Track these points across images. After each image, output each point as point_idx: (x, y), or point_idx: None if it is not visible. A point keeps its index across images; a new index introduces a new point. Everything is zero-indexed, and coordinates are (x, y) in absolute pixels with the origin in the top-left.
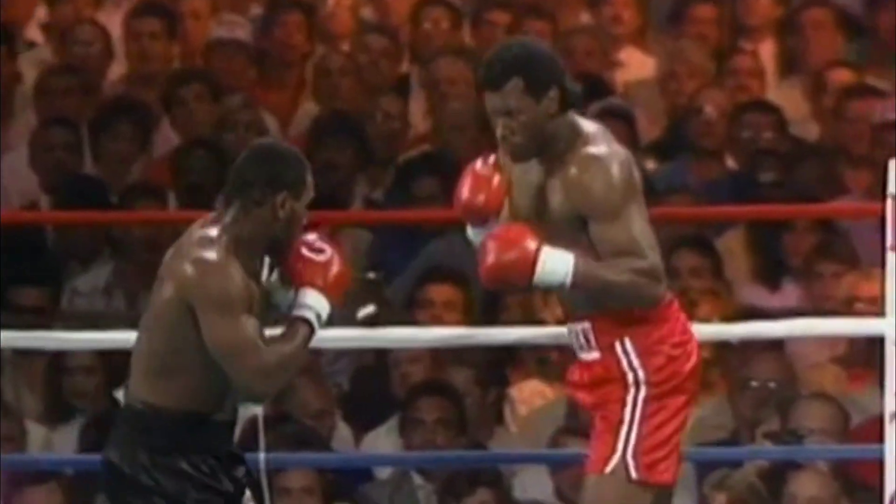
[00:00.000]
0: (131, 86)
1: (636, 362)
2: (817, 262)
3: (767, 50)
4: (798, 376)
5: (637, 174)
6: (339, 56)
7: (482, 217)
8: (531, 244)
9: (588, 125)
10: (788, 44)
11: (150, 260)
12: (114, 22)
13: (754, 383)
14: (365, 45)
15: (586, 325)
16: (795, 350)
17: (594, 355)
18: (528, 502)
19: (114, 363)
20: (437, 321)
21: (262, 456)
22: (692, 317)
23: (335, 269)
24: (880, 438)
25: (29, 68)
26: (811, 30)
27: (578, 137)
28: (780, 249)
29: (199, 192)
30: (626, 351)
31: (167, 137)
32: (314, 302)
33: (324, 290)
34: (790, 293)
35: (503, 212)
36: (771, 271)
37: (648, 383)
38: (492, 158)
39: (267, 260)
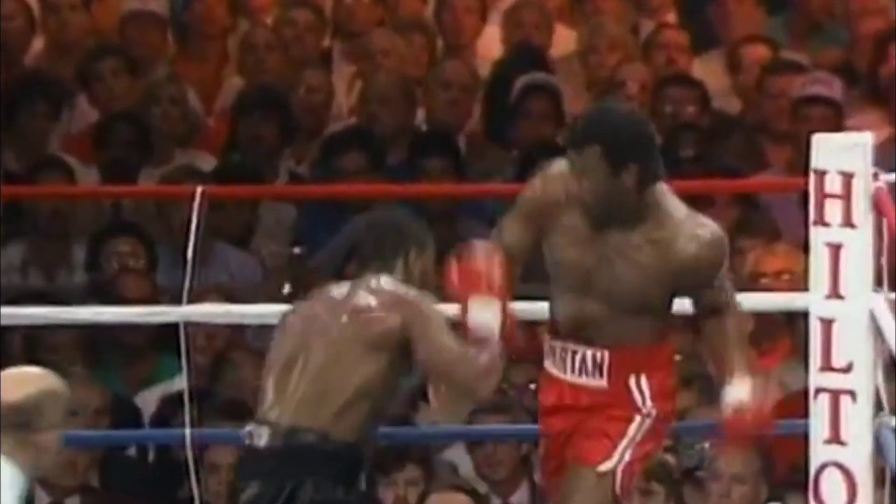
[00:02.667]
0: (50, 60)
1: (649, 402)
2: (738, 237)
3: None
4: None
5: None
6: (265, 30)
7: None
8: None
9: (673, 200)
10: (703, 18)
11: (61, 235)
12: None
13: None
14: (289, 19)
15: (603, 353)
16: None
17: (600, 384)
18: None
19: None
20: None
21: (187, 431)
22: None
23: (493, 275)
24: (803, 414)
25: None
26: (732, 5)
27: (663, 210)
28: None
29: (122, 165)
30: (641, 389)
31: (84, 112)
32: (487, 316)
33: (487, 296)
34: None
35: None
36: None
37: (656, 418)
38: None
39: None
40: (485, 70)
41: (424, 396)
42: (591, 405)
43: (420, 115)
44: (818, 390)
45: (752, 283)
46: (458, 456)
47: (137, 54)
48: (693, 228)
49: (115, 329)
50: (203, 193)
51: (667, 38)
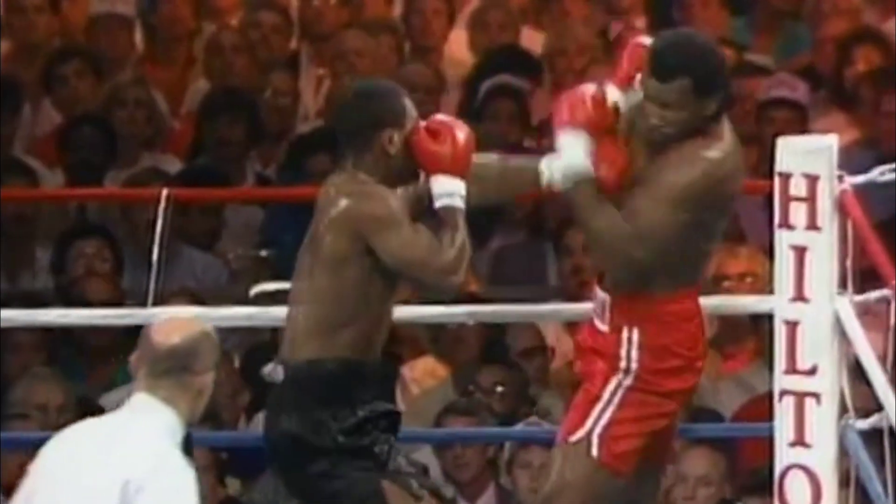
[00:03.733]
0: (14, 62)
1: (634, 354)
2: None
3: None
4: None
5: (727, 191)
6: (231, 32)
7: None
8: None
9: (728, 130)
10: (669, 21)
11: (24, 237)
12: None
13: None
14: (255, 21)
15: (607, 298)
16: None
17: (604, 328)
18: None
19: None
20: None
21: None
22: (583, 296)
23: (457, 147)
24: (768, 417)
25: None
26: (698, 7)
27: (715, 135)
28: None
29: (88, 168)
30: (630, 340)
31: (48, 115)
32: (451, 186)
33: (452, 171)
34: None
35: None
36: None
37: (637, 376)
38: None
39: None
40: (453, 72)
41: None
42: (593, 348)
43: None
44: (783, 393)
45: (716, 286)
46: (425, 458)
47: (103, 56)
48: (693, 151)
49: (80, 331)
50: (168, 196)
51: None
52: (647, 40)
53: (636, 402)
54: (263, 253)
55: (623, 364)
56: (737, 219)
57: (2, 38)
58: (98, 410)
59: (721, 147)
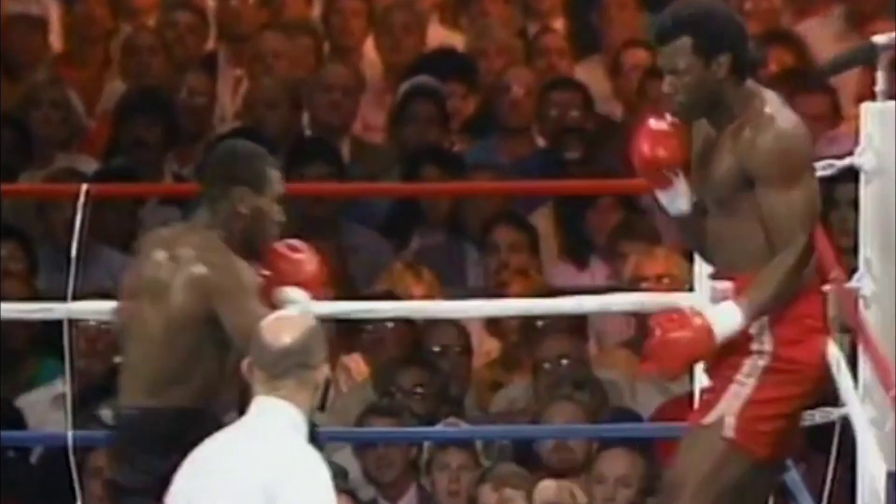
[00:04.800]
0: None
1: (766, 335)
2: (620, 240)
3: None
4: (592, 358)
5: (812, 150)
6: (147, 33)
7: (665, 174)
8: (697, 320)
9: (767, 93)
10: (586, 23)
11: None
12: None
13: (547, 365)
14: (171, 21)
15: (728, 285)
16: (595, 333)
17: None
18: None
19: None
20: None
21: (69, 434)
22: (504, 296)
23: (312, 266)
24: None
25: None
26: (614, 9)
27: (755, 102)
28: (586, 228)
29: (3, 168)
30: (762, 330)
31: None
32: (297, 296)
33: (303, 285)
34: (598, 271)
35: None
36: (578, 250)
37: (773, 355)
38: (668, 116)
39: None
40: (373, 72)
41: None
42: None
43: (305, 118)
44: (703, 393)
45: (633, 287)
46: (345, 459)
47: (17, 57)
48: (761, 112)
49: None
50: (87, 192)
51: (549, 43)
52: None
53: (775, 383)
54: None
55: (756, 346)
56: (652, 220)
57: None
58: (15, 411)
59: (777, 106)
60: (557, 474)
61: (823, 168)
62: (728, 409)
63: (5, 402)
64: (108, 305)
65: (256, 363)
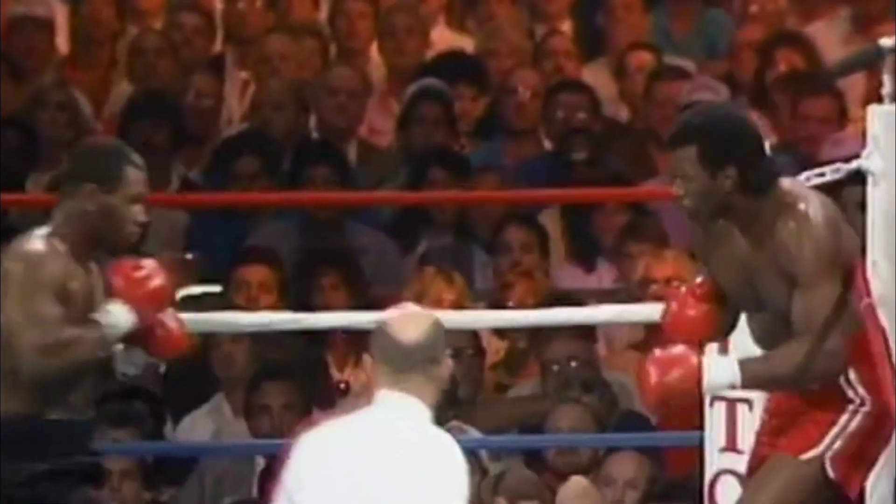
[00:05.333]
0: None
1: (862, 391)
2: (627, 242)
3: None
4: (601, 360)
5: (845, 245)
6: (153, 35)
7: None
8: (693, 359)
9: (793, 194)
10: (592, 25)
11: None
12: None
13: (555, 366)
14: (177, 23)
15: None
16: (604, 334)
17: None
18: None
19: None
20: (253, 303)
21: None
22: (510, 298)
23: (152, 284)
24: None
25: None
26: (621, 11)
27: (782, 209)
28: (593, 229)
29: (10, 172)
30: (851, 382)
31: None
32: (116, 312)
33: (133, 303)
34: (605, 274)
35: None
36: (586, 252)
37: (872, 409)
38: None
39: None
40: (379, 75)
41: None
42: (805, 403)
43: (312, 120)
44: (714, 399)
45: (642, 290)
46: None
47: (23, 59)
48: (791, 213)
49: None
50: None
51: (556, 45)
52: None
53: (870, 428)
54: (189, 256)
55: (856, 401)
56: (660, 222)
57: None
58: None
59: (808, 204)
60: (562, 476)
61: (830, 171)
62: (827, 449)
63: None
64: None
65: (381, 358)
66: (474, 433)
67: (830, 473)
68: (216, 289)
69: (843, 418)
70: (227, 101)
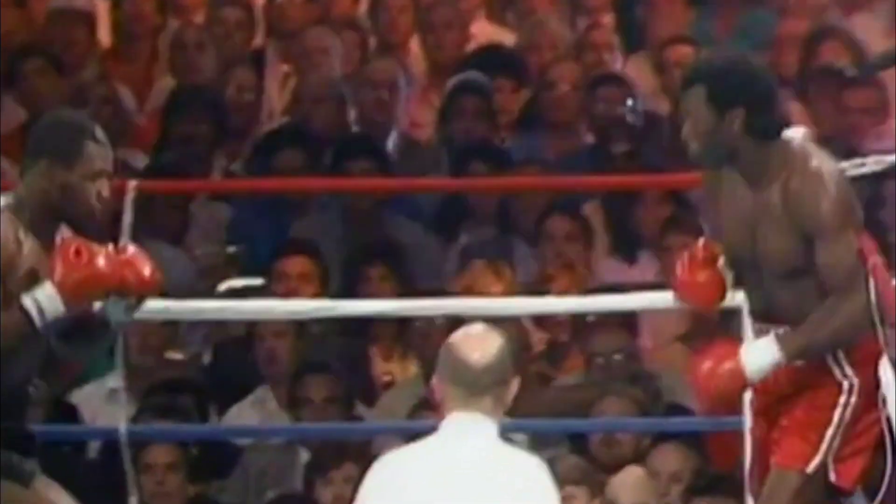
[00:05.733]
0: None
1: (849, 371)
2: (668, 234)
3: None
4: (645, 353)
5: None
6: (194, 29)
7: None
8: (731, 353)
9: (802, 148)
10: (633, 19)
11: None
12: None
13: (600, 359)
14: (219, 17)
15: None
16: (648, 327)
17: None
18: None
19: None
20: (294, 294)
21: (122, 428)
22: (552, 290)
23: (87, 271)
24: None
25: None
26: (662, 4)
27: (796, 161)
28: (635, 222)
29: None
30: (839, 361)
31: (13, 111)
32: (42, 294)
33: (62, 287)
34: (647, 266)
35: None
36: (627, 244)
37: (860, 392)
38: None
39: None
40: (419, 69)
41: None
42: (791, 385)
43: (352, 114)
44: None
45: None
46: None
47: (64, 53)
48: (801, 168)
49: None
50: (135, 187)
51: (597, 38)
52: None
53: (859, 418)
54: (231, 249)
55: (846, 385)
56: (695, 214)
57: None
58: (69, 407)
59: (815, 159)
60: (606, 468)
61: (872, 163)
62: (827, 454)
63: (59, 398)
64: (154, 305)
65: (452, 380)
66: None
67: (832, 477)
68: (258, 282)
69: (837, 413)
70: (268, 95)
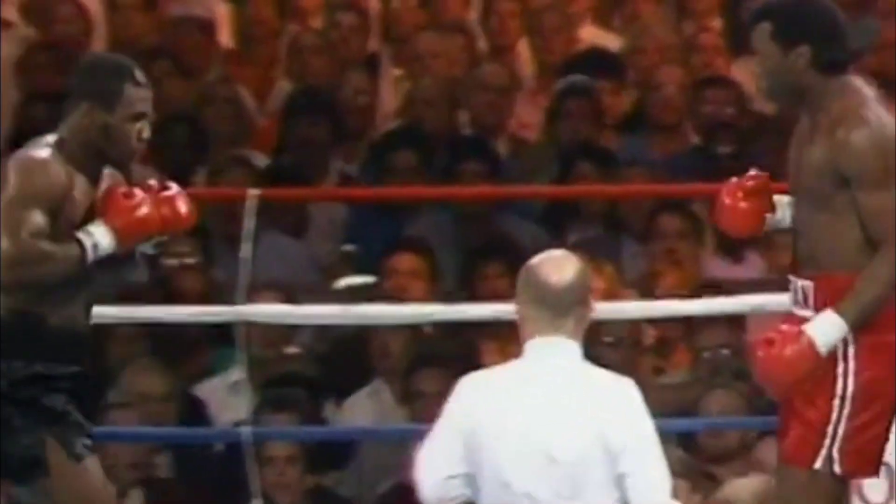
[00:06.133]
0: None
1: (853, 363)
2: (775, 233)
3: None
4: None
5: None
6: (310, 33)
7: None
8: (799, 334)
9: (862, 89)
10: (741, 22)
11: None
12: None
13: (706, 353)
14: (335, 21)
15: (809, 284)
16: (755, 323)
17: (809, 314)
18: None
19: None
20: (403, 290)
21: (244, 430)
22: (660, 286)
23: (138, 213)
24: None
25: (8, 46)
26: None
27: (847, 99)
28: None
29: (178, 166)
30: (846, 350)
31: None
32: (98, 232)
33: (115, 229)
34: (754, 264)
35: None
36: (734, 242)
37: (858, 378)
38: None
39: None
40: (527, 72)
41: None
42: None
43: (463, 116)
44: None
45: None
46: None
47: (188, 56)
48: (853, 116)
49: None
50: (255, 196)
51: (704, 42)
52: None
53: (866, 404)
54: (347, 248)
55: (840, 368)
56: None
57: (93, 39)
58: (195, 400)
59: (870, 106)
60: (712, 459)
61: None
62: (831, 447)
63: (185, 391)
64: (275, 309)
65: (536, 303)
66: None
67: (837, 469)
68: (371, 279)
69: (836, 405)
70: (382, 98)
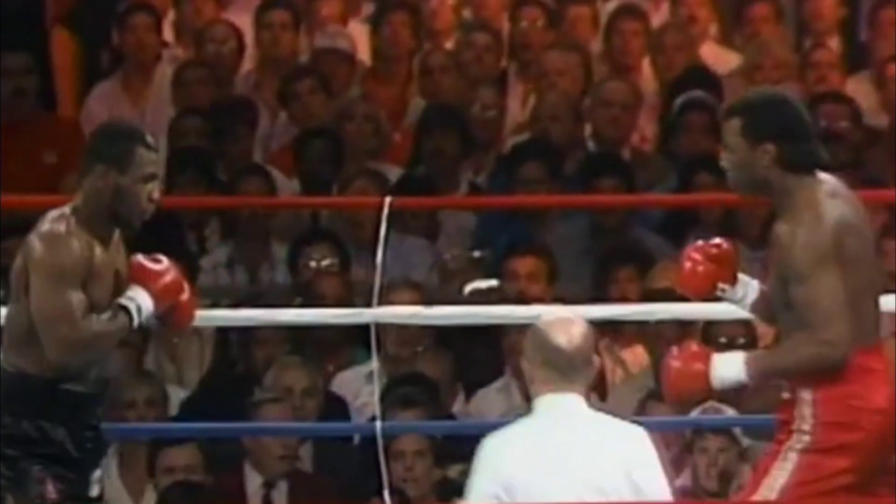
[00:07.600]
0: (257, 80)
1: (807, 412)
2: (884, 241)
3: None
4: None
5: (854, 243)
6: (440, 53)
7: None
8: (706, 358)
9: (820, 188)
10: (858, 40)
11: (260, 234)
12: (243, 21)
13: None
14: (469, 41)
15: None
16: None
17: (786, 395)
18: None
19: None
20: (524, 293)
21: (378, 424)
22: None
23: (167, 278)
24: None
25: (163, 65)
26: (885, 25)
27: (797, 197)
28: None
29: (318, 179)
30: (805, 399)
31: (286, 128)
32: (139, 297)
33: (152, 292)
34: None
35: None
36: None
37: (810, 435)
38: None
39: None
40: (649, 89)
41: None
42: (780, 416)
43: (587, 130)
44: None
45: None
46: None
47: (330, 79)
48: (790, 215)
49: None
50: (391, 204)
51: (821, 58)
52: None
53: (810, 465)
54: (477, 254)
55: (796, 424)
56: None
57: (244, 58)
58: (335, 396)
59: (812, 204)
60: None
61: None
62: (767, 497)
63: (326, 388)
64: (408, 310)
65: (546, 364)
66: (731, 412)
67: None
68: (496, 282)
69: (779, 459)
70: (510, 112)
